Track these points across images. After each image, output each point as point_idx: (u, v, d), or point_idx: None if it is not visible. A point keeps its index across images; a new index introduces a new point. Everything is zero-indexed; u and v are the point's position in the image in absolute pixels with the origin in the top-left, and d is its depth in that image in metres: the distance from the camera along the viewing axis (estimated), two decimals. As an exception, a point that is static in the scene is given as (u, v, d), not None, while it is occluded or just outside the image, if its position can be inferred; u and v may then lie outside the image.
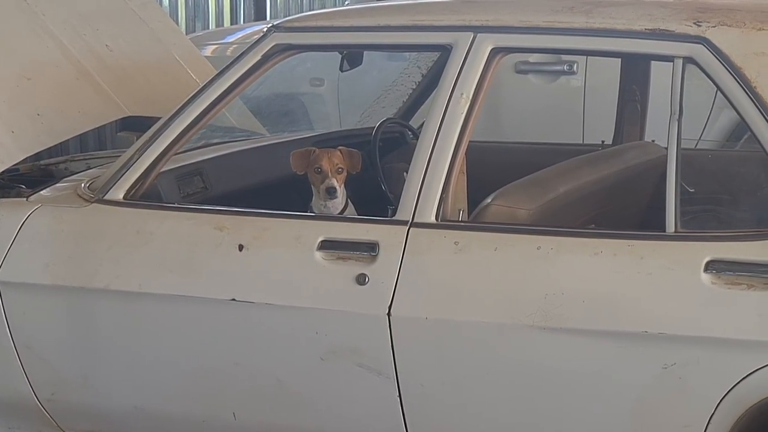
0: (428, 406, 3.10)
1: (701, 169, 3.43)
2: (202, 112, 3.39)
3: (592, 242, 2.92)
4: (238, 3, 10.91)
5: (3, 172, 3.71)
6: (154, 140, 3.42)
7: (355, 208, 3.72)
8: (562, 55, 5.69)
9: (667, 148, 2.93)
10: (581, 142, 5.31)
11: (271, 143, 4.35)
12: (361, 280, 3.06)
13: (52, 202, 3.50)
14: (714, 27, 2.91)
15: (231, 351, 3.26)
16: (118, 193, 3.40)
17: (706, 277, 2.78)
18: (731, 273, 2.77)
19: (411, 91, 4.64)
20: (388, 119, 4.36)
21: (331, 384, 3.17)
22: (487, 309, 2.96)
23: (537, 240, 2.95)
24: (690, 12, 2.98)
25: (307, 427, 3.28)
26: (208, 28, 10.42)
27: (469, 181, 3.23)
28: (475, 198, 3.20)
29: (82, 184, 3.57)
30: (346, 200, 3.69)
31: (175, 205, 3.45)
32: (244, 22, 10.83)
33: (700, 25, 2.92)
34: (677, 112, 2.92)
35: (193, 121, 3.40)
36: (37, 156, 4.08)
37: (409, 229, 3.06)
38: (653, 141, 4.09)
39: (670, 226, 2.88)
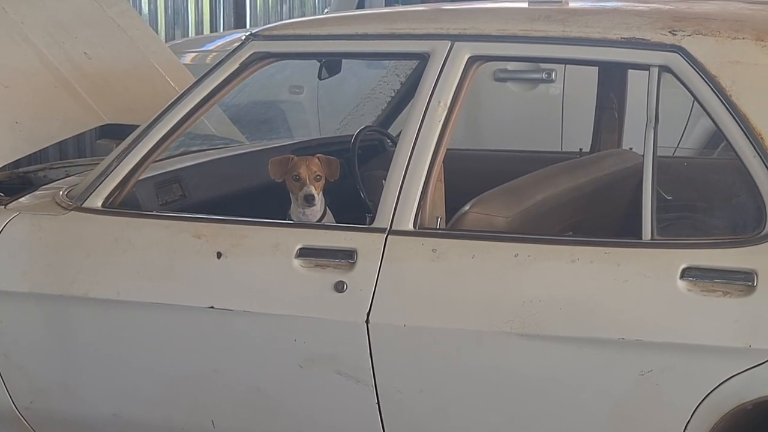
0: (406, 413, 3.11)
1: (678, 177, 3.45)
2: (180, 119, 3.39)
3: (570, 249, 2.93)
4: (217, 11, 10.92)
5: (-19, 179, 3.71)
6: (133, 148, 3.42)
7: (334, 216, 3.73)
8: (541, 64, 5.71)
9: (643, 156, 2.95)
10: (559, 149, 5.33)
11: (250, 151, 4.36)
12: (339, 287, 3.07)
13: (30, 209, 3.50)
14: (689, 36, 2.93)
15: (210, 358, 3.26)
16: (97, 200, 3.40)
17: (682, 284, 2.80)
18: (707, 280, 2.79)
19: (390, 99, 4.65)
20: (366, 127, 4.37)
21: (310, 391, 3.17)
22: (464, 316, 2.97)
23: (514, 247, 2.97)
24: (665, 21, 3.00)
25: (286, 435, 3.28)
26: (188, 35, 10.42)
27: (447, 188, 3.24)
28: (453, 206, 3.21)
29: (61, 192, 3.57)
30: (325, 208, 3.70)
31: (154, 213, 3.45)
32: (223, 29, 10.83)
33: (675, 34, 2.94)
34: (653, 120, 2.93)
35: (171, 129, 3.40)
36: (16, 163, 4.08)
37: (387, 237, 3.07)
38: (630, 149, 4.11)
39: (647, 233, 2.89)
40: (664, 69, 2.94)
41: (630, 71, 4.10)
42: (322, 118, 6.57)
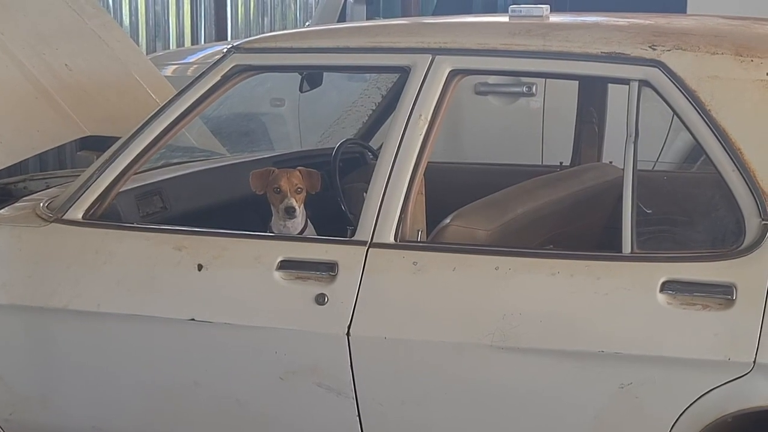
0: (387, 425, 3.11)
1: (657, 191, 3.47)
2: (161, 132, 3.39)
3: (550, 263, 2.94)
4: (198, 23, 10.91)
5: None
6: (114, 160, 3.41)
7: (315, 228, 3.73)
8: (521, 78, 5.72)
9: (623, 170, 2.96)
10: (540, 163, 5.34)
11: (231, 163, 4.36)
12: (320, 299, 3.07)
13: (10, 221, 3.49)
14: (669, 51, 2.95)
15: (190, 371, 3.26)
16: (77, 212, 3.39)
17: (661, 297, 2.81)
18: (687, 293, 2.80)
19: (371, 112, 4.66)
20: (348, 140, 4.38)
21: (291, 403, 3.17)
22: (445, 329, 2.97)
23: (495, 260, 2.97)
24: (645, 36, 3.02)
25: (266, 447, 3.28)
26: (169, 48, 10.41)
27: (427, 201, 3.25)
28: (433, 219, 3.22)
29: (41, 204, 3.56)
30: (306, 220, 3.70)
31: (135, 225, 3.45)
32: (204, 42, 10.83)
33: (655, 49, 2.96)
34: (633, 134, 2.95)
35: (152, 141, 3.40)
36: (-4, 175, 4.07)
37: (368, 249, 3.07)
38: (610, 162, 4.12)
39: (627, 246, 2.90)
40: (644, 83, 2.96)
41: (610, 85, 4.12)
42: (303, 130, 6.57)
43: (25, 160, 4.34)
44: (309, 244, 3.29)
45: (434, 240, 3.13)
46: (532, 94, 5.91)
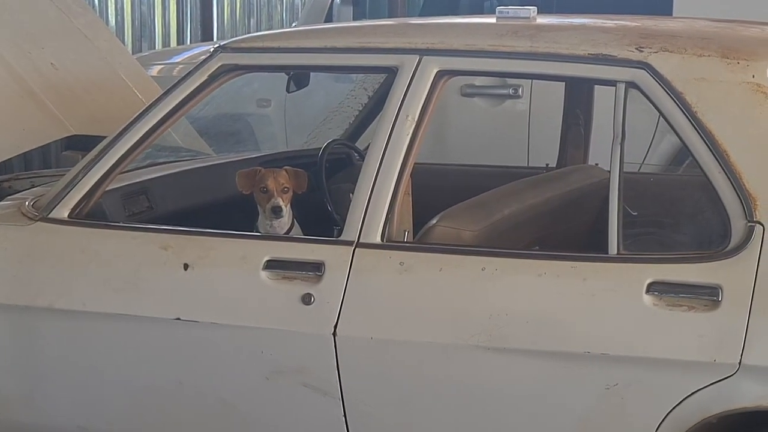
0: (373, 425, 3.11)
1: (644, 193, 3.47)
2: (147, 131, 3.39)
3: (536, 264, 2.95)
4: (184, 23, 10.90)
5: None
6: (100, 159, 3.40)
7: (302, 229, 3.73)
8: (508, 79, 5.73)
9: (609, 172, 2.97)
10: (526, 164, 5.35)
11: (217, 163, 4.35)
12: (306, 299, 3.07)
13: (-5, 220, 3.48)
14: (656, 52, 2.95)
15: (175, 370, 3.25)
16: (63, 211, 3.39)
17: (647, 299, 2.82)
18: (672, 295, 2.81)
19: (358, 113, 4.66)
20: (334, 140, 4.38)
21: (276, 403, 3.17)
22: (431, 329, 2.97)
23: (481, 261, 2.97)
24: (632, 38, 3.02)
25: (252, 447, 3.27)
26: (155, 47, 10.40)
27: (414, 202, 3.25)
28: (420, 219, 3.21)
29: (27, 203, 3.55)
30: (293, 220, 3.70)
31: (121, 224, 3.44)
32: (190, 42, 10.82)
33: (642, 51, 2.97)
34: (620, 136, 2.95)
35: (138, 141, 3.39)
36: (-19, 174, 4.06)
37: (354, 250, 3.07)
38: (597, 164, 4.13)
39: (613, 248, 2.91)
40: (631, 85, 2.96)
41: (596, 87, 4.13)
42: (290, 131, 6.57)
43: (9, 159, 4.33)
44: (295, 243, 3.29)
45: (421, 240, 3.13)
46: (519, 96, 5.92)
